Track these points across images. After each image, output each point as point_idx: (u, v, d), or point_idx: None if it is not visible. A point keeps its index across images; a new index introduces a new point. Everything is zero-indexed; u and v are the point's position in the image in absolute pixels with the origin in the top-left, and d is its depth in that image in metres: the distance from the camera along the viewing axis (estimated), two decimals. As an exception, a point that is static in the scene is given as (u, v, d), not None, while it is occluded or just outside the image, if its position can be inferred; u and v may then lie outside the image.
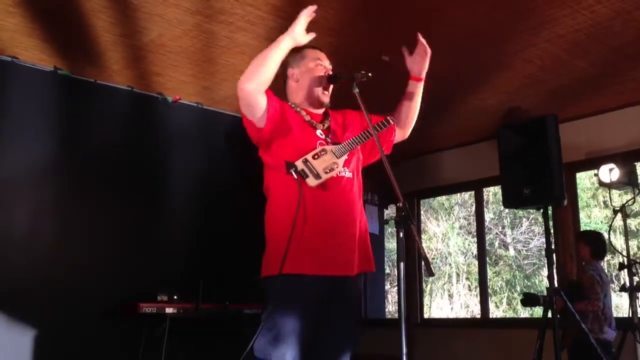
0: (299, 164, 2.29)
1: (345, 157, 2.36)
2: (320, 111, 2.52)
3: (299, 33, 2.24)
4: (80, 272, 4.14)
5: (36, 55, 4.09)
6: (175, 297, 4.26)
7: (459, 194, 11.73)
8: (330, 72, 2.48)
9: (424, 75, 2.54)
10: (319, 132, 2.43)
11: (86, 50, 3.98)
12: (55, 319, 3.98)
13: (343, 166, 2.36)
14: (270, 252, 2.30)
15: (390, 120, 2.43)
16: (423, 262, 2.02)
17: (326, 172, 2.30)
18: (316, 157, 2.32)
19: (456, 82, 4.44)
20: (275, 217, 2.35)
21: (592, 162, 4.89)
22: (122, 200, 4.50)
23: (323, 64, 2.50)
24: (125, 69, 4.29)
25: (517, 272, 12.53)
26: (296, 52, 2.48)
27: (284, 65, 2.50)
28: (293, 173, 2.27)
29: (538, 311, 10.96)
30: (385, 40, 3.79)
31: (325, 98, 2.48)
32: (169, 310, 4.16)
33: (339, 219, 2.33)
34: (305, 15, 2.25)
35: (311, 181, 2.27)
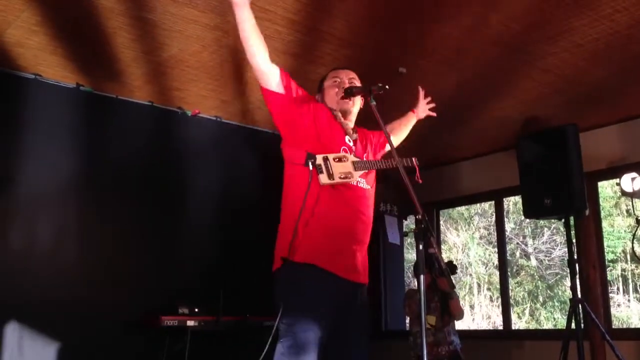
0: (319, 158, 2.33)
1: (361, 173, 2.41)
2: (351, 123, 2.60)
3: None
4: (102, 285, 4.18)
5: (59, 73, 4.17)
6: (196, 309, 4.28)
7: (478, 204, 11.65)
8: (346, 85, 2.54)
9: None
10: (347, 138, 2.50)
11: (108, 66, 4.05)
12: (78, 332, 4.01)
13: (360, 177, 2.40)
14: (280, 242, 2.38)
15: (415, 162, 2.47)
16: (443, 278, 2.03)
17: (340, 177, 2.33)
18: (337, 160, 2.35)
19: (475, 92, 4.43)
20: (286, 208, 2.43)
21: (614, 171, 4.83)
22: (143, 213, 4.55)
23: (339, 79, 2.61)
24: (145, 84, 4.35)
25: (539, 282, 12.38)
26: (321, 79, 2.71)
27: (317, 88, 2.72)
28: (310, 164, 2.32)
29: (561, 322, 10.81)
30: (401, 52, 3.81)
31: (345, 105, 2.56)
32: (190, 323, 4.17)
33: (349, 227, 2.36)
34: None
35: (323, 178, 2.31)
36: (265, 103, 2.46)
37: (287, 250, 2.29)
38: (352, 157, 2.40)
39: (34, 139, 4.14)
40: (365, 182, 2.44)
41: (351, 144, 2.49)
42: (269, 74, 2.38)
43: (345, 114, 2.57)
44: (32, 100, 4.16)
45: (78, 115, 4.37)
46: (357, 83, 2.61)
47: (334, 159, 2.34)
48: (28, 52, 3.84)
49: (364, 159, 2.51)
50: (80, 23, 3.49)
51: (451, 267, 4.74)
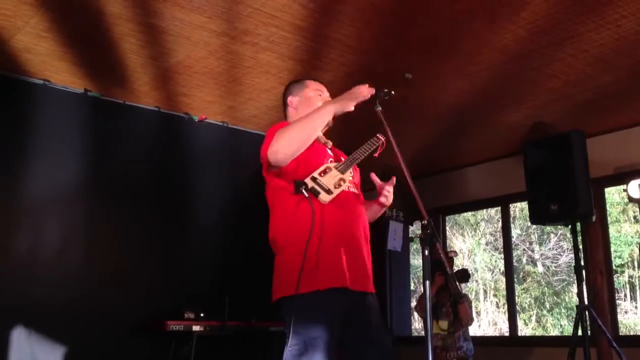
0: (309, 181, 2.27)
1: (350, 172, 2.38)
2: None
3: (347, 105, 2.27)
4: (108, 290, 4.19)
5: (67, 78, 4.20)
6: (202, 314, 4.28)
7: (485, 210, 11.63)
8: None
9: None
10: (328, 149, 2.48)
11: (115, 72, 4.07)
12: (83, 336, 4.03)
13: (350, 182, 2.38)
14: (284, 272, 2.27)
15: (380, 138, 2.43)
16: (449, 282, 2.02)
17: (336, 187, 2.29)
18: (322, 174, 2.31)
19: (481, 98, 4.43)
20: (288, 238, 2.31)
21: (621, 177, 4.82)
22: (150, 218, 4.56)
23: (323, 96, 2.56)
24: (153, 90, 4.38)
25: (546, 288, 12.33)
26: (298, 82, 2.60)
27: (284, 95, 2.61)
28: (304, 191, 2.24)
29: (568, 328, 10.74)
30: (407, 58, 3.82)
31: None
32: (196, 328, 4.18)
33: (353, 234, 2.33)
34: (362, 96, 2.28)
35: (324, 197, 2.25)
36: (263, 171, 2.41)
37: (295, 284, 2.17)
38: (332, 164, 2.37)
39: (42, 143, 4.17)
40: (352, 187, 2.42)
41: (331, 153, 2.48)
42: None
43: (326, 125, 2.49)
44: (40, 105, 4.19)
45: (86, 120, 4.40)
46: None
47: (319, 174, 2.30)
48: (36, 57, 3.88)
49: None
50: (88, 29, 3.51)
51: (464, 275, 4.70)
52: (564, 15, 3.25)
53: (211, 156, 4.98)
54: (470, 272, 4.68)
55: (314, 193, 2.25)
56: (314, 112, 2.30)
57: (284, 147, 2.20)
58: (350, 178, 2.40)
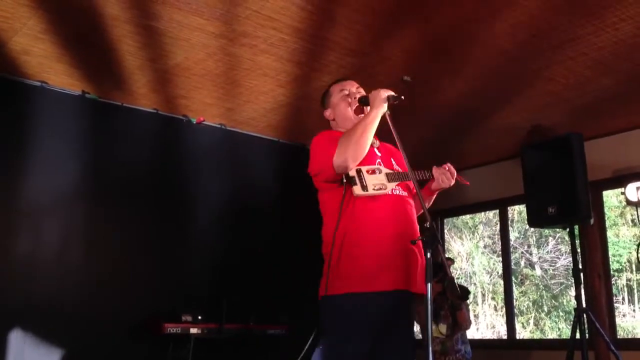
0: (352, 171, 2.30)
1: (396, 184, 2.38)
2: None
3: (383, 103, 2.31)
4: (106, 292, 4.18)
5: (65, 80, 4.19)
6: (199, 317, 4.27)
7: (483, 213, 11.62)
8: (358, 95, 2.52)
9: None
10: (375, 149, 2.47)
11: (113, 74, 4.06)
12: (81, 338, 4.01)
13: (398, 186, 2.38)
14: (323, 271, 2.30)
15: (430, 176, 2.48)
16: (449, 286, 2.02)
17: (374, 189, 2.30)
18: (371, 172, 2.34)
19: (480, 101, 4.43)
20: (325, 234, 2.36)
21: (619, 180, 4.82)
22: (147, 220, 4.56)
23: (347, 91, 2.55)
24: (151, 92, 4.37)
25: (544, 291, 12.32)
26: (325, 94, 2.61)
27: (322, 109, 2.63)
28: (344, 177, 2.29)
29: (566, 331, 10.74)
30: (406, 61, 3.82)
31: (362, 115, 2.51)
32: (193, 330, 4.17)
33: (387, 233, 2.29)
34: (385, 99, 2.32)
35: (357, 189, 2.28)
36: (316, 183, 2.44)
37: (324, 285, 2.24)
38: (385, 170, 2.38)
39: (40, 146, 4.16)
40: (401, 190, 2.40)
41: (380, 154, 2.46)
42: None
43: None
44: (38, 107, 4.18)
45: (83, 122, 4.39)
46: (362, 92, 2.58)
47: (367, 171, 2.33)
48: (34, 59, 3.87)
49: (394, 164, 2.47)
50: (86, 31, 3.51)
51: (463, 293, 4.65)
52: (563, 18, 3.25)
53: (209, 158, 4.98)
54: (469, 274, 4.65)
55: (350, 182, 2.28)
56: (365, 121, 2.32)
57: (348, 159, 2.25)
58: (394, 187, 2.38)
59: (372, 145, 2.43)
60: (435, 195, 2.59)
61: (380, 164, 2.40)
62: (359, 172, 2.31)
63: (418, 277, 2.27)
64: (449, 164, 2.45)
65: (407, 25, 3.40)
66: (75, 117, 4.35)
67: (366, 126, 2.28)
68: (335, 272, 2.22)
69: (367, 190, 2.28)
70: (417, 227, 2.40)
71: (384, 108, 2.31)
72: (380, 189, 2.31)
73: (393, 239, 2.28)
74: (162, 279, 4.47)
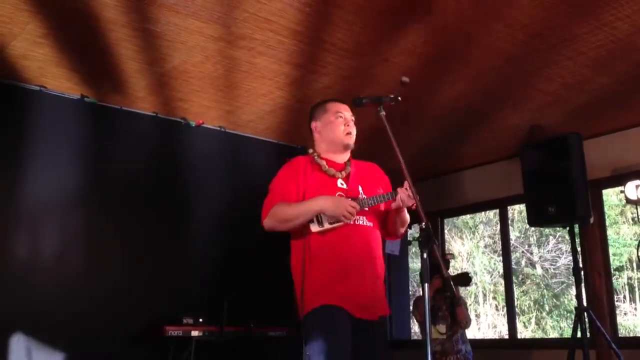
0: None
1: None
2: (344, 157, 2.64)
3: (334, 214, 2.41)
4: (106, 295, 4.18)
5: (63, 84, 4.19)
6: (200, 320, 4.27)
7: (483, 213, 11.62)
8: (350, 124, 2.61)
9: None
10: (340, 181, 2.55)
11: (112, 78, 4.07)
12: (82, 343, 4.01)
13: (360, 215, 2.46)
14: (297, 297, 2.45)
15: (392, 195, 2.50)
16: (445, 284, 2.04)
17: (330, 223, 2.42)
18: None
19: (478, 101, 4.43)
20: (292, 264, 2.53)
21: (619, 179, 4.82)
22: (147, 223, 4.55)
23: (344, 116, 2.62)
24: (149, 95, 4.38)
25: (545, 290, 12.32)
26: (319, 106, 2.68)
27: (309, 119, 2.70)
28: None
29: (567, 331, 10.74)
30: (404, 62, 3.82)
31: (349, 140, 2.60)
32: (194, 333, 4.17)
33: (349, 263, 2.42)
34: (347, 217, 2.41)
35: (314, 227, 2.43)
36: None
37: (300, 309, 2.41)
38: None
39: (38, 150, 4.16)
40: (365, 220, 2.49)
41: (344, 185, 2.54)
42: None
43: (346, 147, 2.62)
44: (37, 111, 4.18)
45: (83, 126, 4.39)
46: (353, 124, 2.66)
47: None
48: (33, 64, 3.87)
49: (361, 193, 2.53)
50: (84, 35, 3.51)
51: (465, 279, 4.64)
52: (560, 18, 3.25)
53: (209, 161, 4.98)
54: (471, 274, 4.64)
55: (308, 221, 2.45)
56: (302, 207, 2.45)
57: (269, 225, 2.53)
58: (355, 218, 2.46)
59: (335, 177, 2.54)
60: (403, 213, 2.57)
61: (342, 195, 2.49)
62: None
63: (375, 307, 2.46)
64: (406, 183, 2.40)
65: (405, 26, 3.40)
66: (75, 121, 4.35)
67: (302, 215, 2.42)
68: (306, 293, 2.38)
69: (322, 226, 2.43)
70: (380, 255, 2.52)
71: (331, 213, 2.40)
72: (337, 221, 2.42)
73: (348, 267, 2.41)
74: (163, 281, 4.47)
